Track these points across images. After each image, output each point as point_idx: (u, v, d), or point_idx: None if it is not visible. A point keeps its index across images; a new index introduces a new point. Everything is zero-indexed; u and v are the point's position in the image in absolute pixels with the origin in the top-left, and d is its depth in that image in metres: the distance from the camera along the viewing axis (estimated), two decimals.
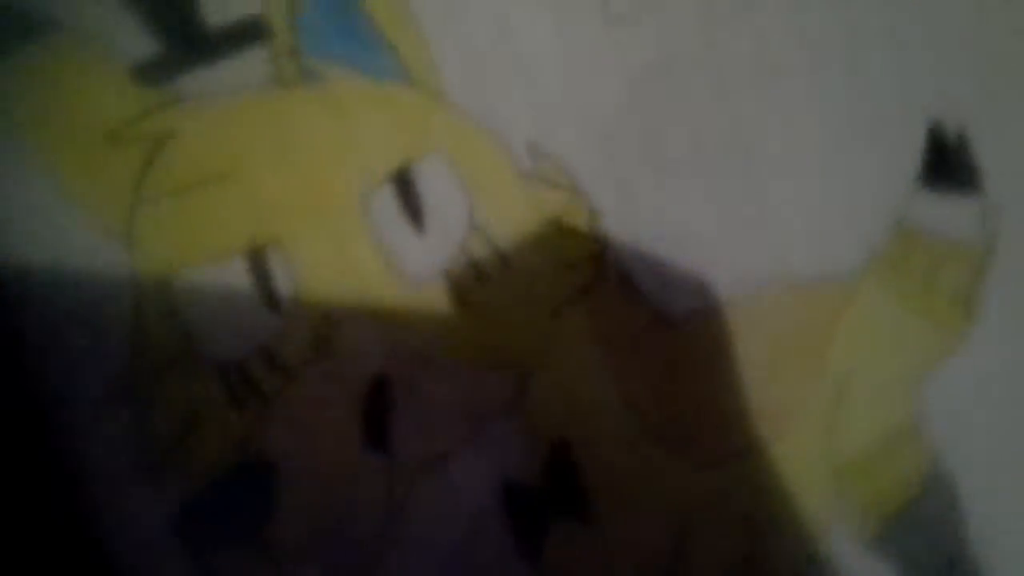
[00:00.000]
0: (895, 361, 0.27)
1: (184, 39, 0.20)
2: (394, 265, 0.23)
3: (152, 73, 0.20)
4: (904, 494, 0.28)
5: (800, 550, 0.27)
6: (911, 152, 0.27)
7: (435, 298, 0.23)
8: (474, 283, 0.23)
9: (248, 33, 0.21)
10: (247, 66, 0.21)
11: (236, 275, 0.21)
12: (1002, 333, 0.27)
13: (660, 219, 0.25)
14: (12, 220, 0.20)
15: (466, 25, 0.23)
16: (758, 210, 0.26)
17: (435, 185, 0.23)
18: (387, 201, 0.23)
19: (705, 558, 0.26)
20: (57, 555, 0.20)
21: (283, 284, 0.21)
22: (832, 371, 0.27)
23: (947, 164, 0.27)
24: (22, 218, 0.20)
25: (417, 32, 0.23)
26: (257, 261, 0.21)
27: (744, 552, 0.27)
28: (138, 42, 0.20)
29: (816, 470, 0.27)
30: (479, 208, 0.24)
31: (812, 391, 0.27)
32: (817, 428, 0.27)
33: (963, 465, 0.28)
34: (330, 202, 0.22)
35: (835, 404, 0.27)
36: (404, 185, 0.23)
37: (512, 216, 0.24)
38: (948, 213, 0.27)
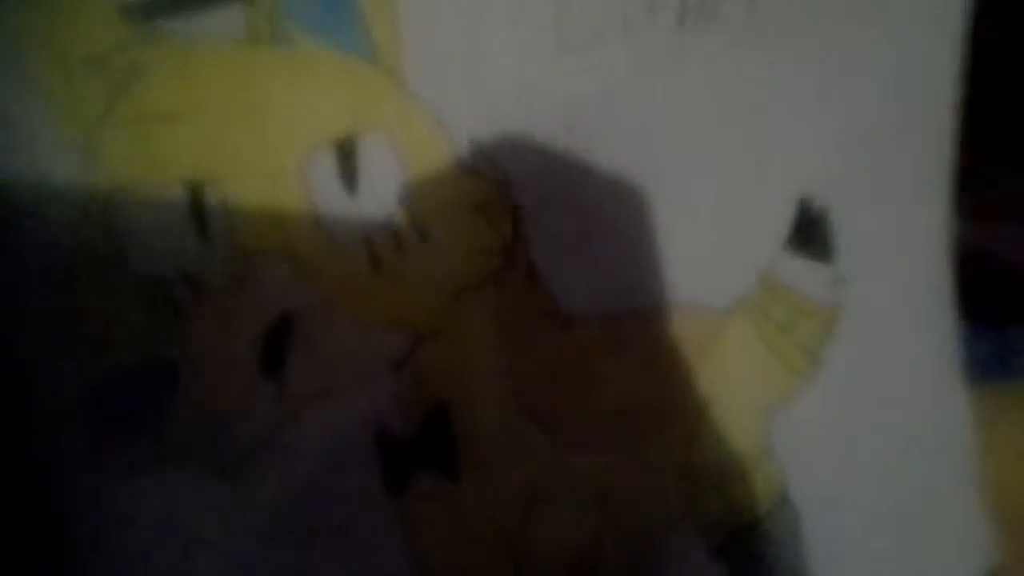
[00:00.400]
0: (751, 392, 0.31)
1: None
2: (321, 222, 0.25)
3: (141, 13, 0.23)
4: (751, 512, 0.32)
5: (644, 547, 0.31)
6: (786, 218, 0.31)
7: (352, 258, 0.26)
8: (392, 252, 0.26)
9: None
10: (225, 20, 0.24)
11: (175, 204, 0.23)
12: (842, 383, 0.32)
13: (575, 228, 0.29)
14: None
15: (440, 21, 0.26)
16: (661, 238, 0.30)
17: (375, 159, 0.26)
18: (327, 164, 0.25)
19: (550, 534, 0.30)
20: None
21: (215, 219, 0.24)
22: (698, 390, 0.31)
23: (808, 235, 0.31)
24: (4, 120, 0.22)
25: (394, 18, 0.25)
26: (195, 194, 0.24)
27: (589, 538, 0.30)
28: None
29: (672, 477, 0.31)
30: (411, 187, 0.26)
31: (680, 405, 0.31)
32: (678, 439, 0.31)
33: (804, 492, 0.32)
34: (273, 155, 0.24)
35: (696, 420, 0.31)
36: (346, 153, 0.25)
37: (440, 200, 0.27)
38: (806, 276, 0.32)
